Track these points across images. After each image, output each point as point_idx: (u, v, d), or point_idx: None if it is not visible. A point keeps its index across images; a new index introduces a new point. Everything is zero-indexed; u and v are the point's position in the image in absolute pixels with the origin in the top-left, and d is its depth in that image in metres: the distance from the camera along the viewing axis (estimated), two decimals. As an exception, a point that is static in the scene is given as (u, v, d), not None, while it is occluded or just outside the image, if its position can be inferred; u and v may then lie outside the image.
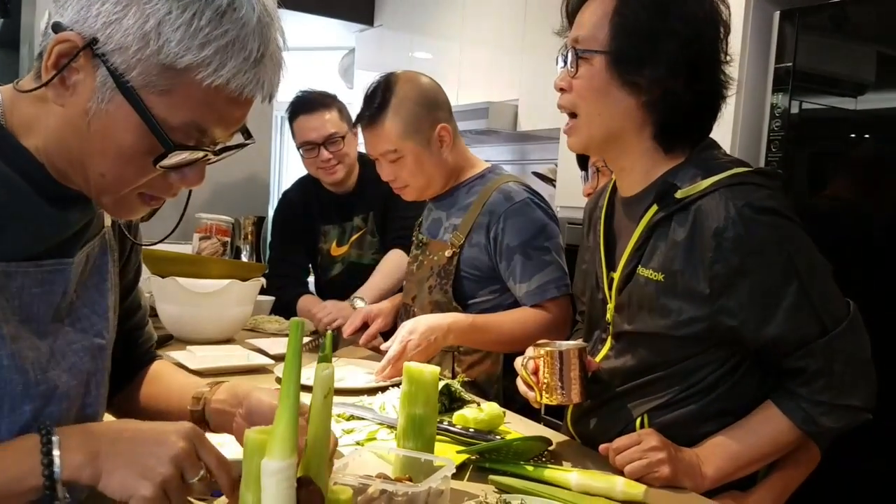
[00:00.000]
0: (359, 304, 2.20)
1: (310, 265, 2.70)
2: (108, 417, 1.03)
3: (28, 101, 0.82)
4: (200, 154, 0.83)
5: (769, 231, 1.15)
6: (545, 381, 1.28)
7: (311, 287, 2.71)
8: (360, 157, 2.53)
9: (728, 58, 1.26)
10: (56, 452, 0.75)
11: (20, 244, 0.83)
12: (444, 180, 1.89)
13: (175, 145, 0.79)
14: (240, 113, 0.83)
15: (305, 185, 2.67)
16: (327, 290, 2.58)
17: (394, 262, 2.34)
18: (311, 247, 2.63)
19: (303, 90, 2.54)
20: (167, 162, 0.80)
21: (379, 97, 1.80)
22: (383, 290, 2.27)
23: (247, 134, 0.89)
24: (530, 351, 1.33)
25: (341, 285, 2.49)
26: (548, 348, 1.28)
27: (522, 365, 1.35)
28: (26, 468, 0.75)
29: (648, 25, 1.19)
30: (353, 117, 2.46)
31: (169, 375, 1.14)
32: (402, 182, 1.86)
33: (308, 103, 2.46)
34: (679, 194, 1.21)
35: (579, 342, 1.33)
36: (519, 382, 1.36)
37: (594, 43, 1.23)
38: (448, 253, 1.82)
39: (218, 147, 0.85)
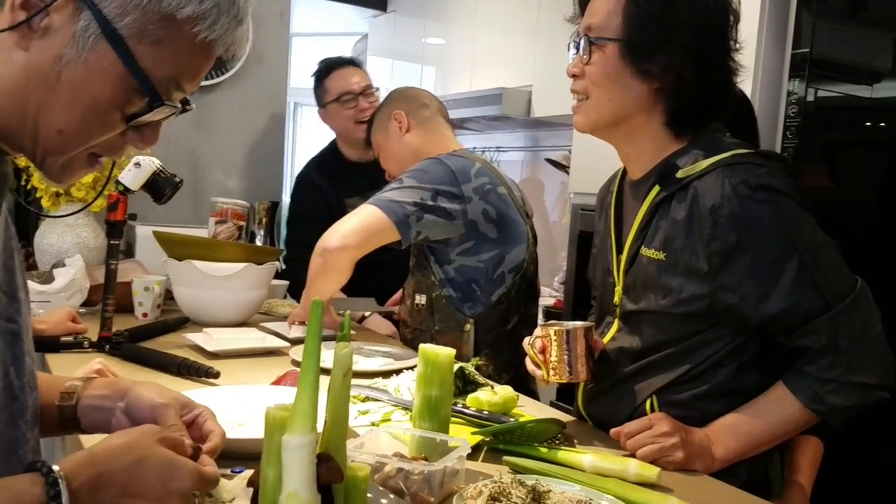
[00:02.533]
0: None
1: None
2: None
3: None
4: (170, 111, 0.79)
5: (765, 208, 1.16)
6: (552, 359, 1.31)
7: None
8: None
9: (738, 45, 1.28)
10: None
11: None
12: (412, 162, 1.93)
13: (161, 100, 0.75)
14: (206, 71, 0.81)
15: (324, 160, 2.68)
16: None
17: None
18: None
19: (327, 57, 2.68)
20: (144, 118, 0.76)
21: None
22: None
23: (185, 100, 0.85)
24: (538, 330, 1.37)
25: (368, 259, 2.50)
26: (555, 328, 1.31)
27: (530, 344, 1.37)
28: None
29: (661, 14, 1.22)
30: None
31: None
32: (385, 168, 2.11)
33: (343, 61, 2.60)
34: (680, 174, 1.23)
35: (586, 322, 1.35)
36: (527, 361, 1.39)
37: (607, 31, 1.25)
38: None
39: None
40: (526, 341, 1.40)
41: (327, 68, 2.58)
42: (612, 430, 1.24)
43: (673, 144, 1.29)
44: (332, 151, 2.67)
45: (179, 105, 0.80)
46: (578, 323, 1.33)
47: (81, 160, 0.79)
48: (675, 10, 1.21)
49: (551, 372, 1.32)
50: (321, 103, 2.61)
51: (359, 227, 1.74)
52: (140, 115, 0.77)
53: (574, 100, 1.33)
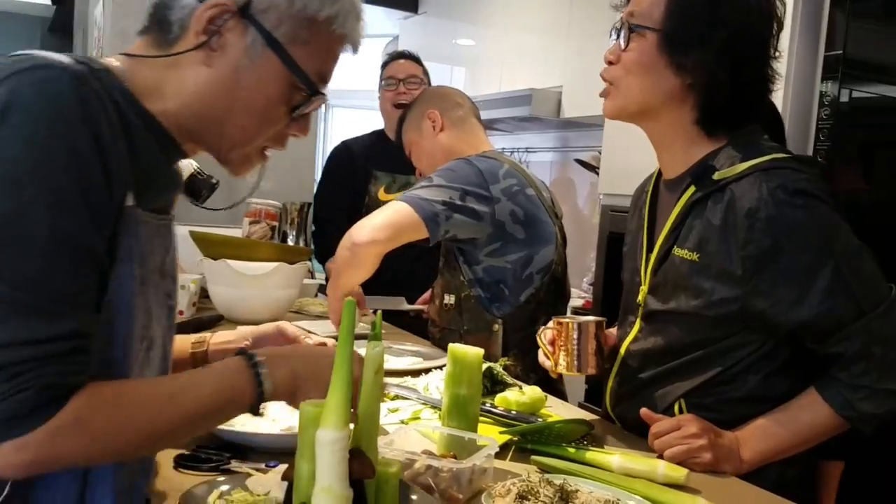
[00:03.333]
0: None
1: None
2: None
3: (149, 68, 0.88)
4: (322, 100, 0.94)
5: (802, 213, 1.16)
6: (561, 351, 1.32)
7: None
8: None
9: (777, 53, 1.27)
10: (267, 385, 0.88)
11: (156, 198, 0.89)
12: (444, 161, 1.93)
13: (318, 91, 0.91)
14: (338, 62, 0.96)
15: (368, 135, 2.98)
16: None
17: None
18: (361, 189, 2.82)
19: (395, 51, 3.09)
20: (305, 108, 0.93)
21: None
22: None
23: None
24: (550, 323, 1.39)
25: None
26: (566, 320, 1.32)
27: (540, 335, 1.39)
28: (241, 391, 0.87)
29: (702, 10, 1.22)
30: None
31: None
32: (417, 166, 2.13)
33: (403, 54, 2.94)
34: (716, 176, 1.23)
35: (598, 317, 1.37)
36: (539, 353, 1.40)
37: (648, 19, 1.26)
38: None
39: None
40: (538, 332, 1.41)
41: (390, 58, 2.94)
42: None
43: (705, 144, 1.29)
44: (379, 132, 2.96)
45: (325, 93, 0.95)
46: (590, 317, 1.35)
47: (255, 153, 0.96)
48: (716, 8, 1.21)
49: (560, 363, 1.33)
50: (379, 86, 2.95)
51: (388, 222, 1.75)
52: (301, 106, 0.93)
53: (605, 85, 1.33)
